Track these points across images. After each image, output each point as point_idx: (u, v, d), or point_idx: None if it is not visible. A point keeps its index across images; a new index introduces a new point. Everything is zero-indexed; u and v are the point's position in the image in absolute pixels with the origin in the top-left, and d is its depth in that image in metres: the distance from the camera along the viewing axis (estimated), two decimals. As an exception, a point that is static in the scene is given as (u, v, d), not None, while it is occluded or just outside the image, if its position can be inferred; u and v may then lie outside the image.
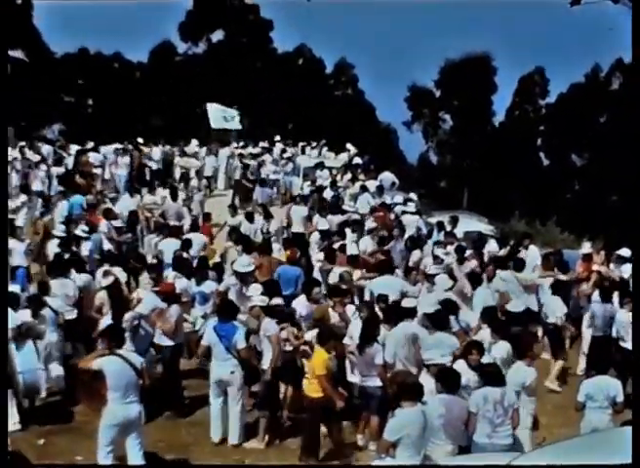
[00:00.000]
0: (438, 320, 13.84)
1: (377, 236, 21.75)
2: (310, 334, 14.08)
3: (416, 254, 20.36)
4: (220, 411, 13.52)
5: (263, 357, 13.67)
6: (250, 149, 38.44)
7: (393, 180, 33.08)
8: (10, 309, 13.68)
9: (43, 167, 31.39)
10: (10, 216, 20.94)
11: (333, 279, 17.56)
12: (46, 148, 35.47)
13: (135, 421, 11.55)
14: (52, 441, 13.25)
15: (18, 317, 14.04)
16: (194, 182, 33.30)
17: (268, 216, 24.52)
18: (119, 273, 16.89)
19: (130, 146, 35.39)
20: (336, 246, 20.19)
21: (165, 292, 15.05)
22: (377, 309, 14.87)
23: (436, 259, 19.30)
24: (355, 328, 13.95)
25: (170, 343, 14.66)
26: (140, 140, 37.23)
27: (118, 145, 35.18)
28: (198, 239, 21.12)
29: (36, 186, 29.37)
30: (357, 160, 37.40)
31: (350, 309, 15.14)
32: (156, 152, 36.44)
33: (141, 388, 12.82)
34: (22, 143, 33.50)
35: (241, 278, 17.03)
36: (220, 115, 41.15)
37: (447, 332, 13.68)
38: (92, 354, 12.16)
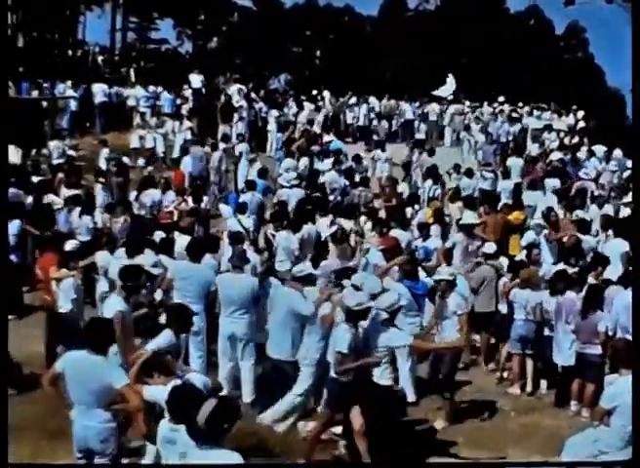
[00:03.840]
0: None
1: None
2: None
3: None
4: None
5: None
6: (480, 109, 38.51)
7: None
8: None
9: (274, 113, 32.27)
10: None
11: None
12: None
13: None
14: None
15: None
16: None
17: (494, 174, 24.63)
18: (345, 223, 17.02)
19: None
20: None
21: (387, 247, 15.00)
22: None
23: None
24: None
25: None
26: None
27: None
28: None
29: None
30: (584, 124, 36.68)
31: None
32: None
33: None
34: (246, 91, 33.95)
35: (467, 233, 16.97)
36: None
37: None
38: None
